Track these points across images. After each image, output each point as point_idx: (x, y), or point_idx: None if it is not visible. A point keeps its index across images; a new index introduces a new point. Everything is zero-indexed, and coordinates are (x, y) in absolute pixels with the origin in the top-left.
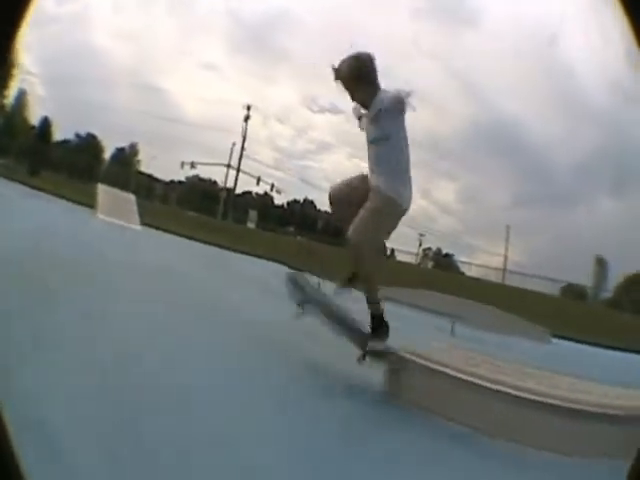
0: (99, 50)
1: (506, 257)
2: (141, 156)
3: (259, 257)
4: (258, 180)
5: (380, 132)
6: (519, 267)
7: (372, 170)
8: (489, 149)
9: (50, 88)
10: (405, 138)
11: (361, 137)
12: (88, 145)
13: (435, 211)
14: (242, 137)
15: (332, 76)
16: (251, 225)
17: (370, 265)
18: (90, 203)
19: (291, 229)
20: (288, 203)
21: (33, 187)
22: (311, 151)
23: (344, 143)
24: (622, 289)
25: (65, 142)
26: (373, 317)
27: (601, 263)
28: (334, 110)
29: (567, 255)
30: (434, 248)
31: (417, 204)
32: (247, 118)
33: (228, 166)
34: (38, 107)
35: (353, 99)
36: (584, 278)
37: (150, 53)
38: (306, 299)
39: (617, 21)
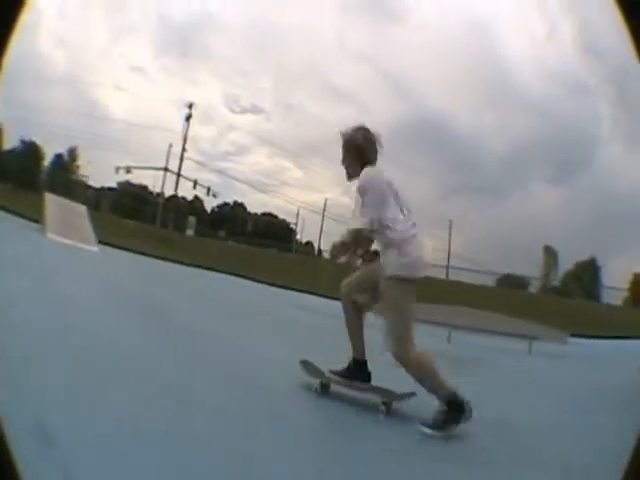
0: (41, 55)
1: (450, 252)
2: (80, 161)
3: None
4: (195, 183)
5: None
6: (461, 261)
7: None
8: (417, 144)
9: None
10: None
11: (282, 136)
12: (30, 152)
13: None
14: (183, 138)
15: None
16: (190, 232)
17: (420, 366)
18: (37, 217)
19: (222, 233)
20: (219, 206)
21: None
22: (231, 152)
23: (264, 143)
24: (571, 276)
25: (12, 150)
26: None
27: (549, 252)
28: (255, 110)
29: (510, 246)
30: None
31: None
32: (189, 117)
33: (165, 170)
34: None
35: (343, 164)
36: (531, 268)
37: (84, 57)
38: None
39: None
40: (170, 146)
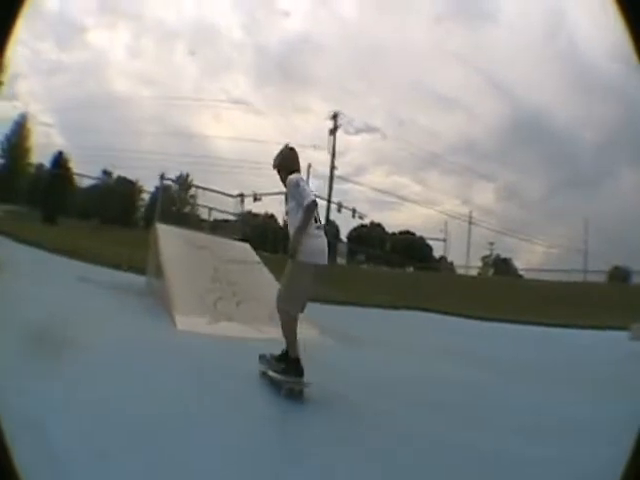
0: (118, 96)
1: (586, 252)
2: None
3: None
4: (339, 206)
5: (290, 206)
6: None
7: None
8: (523, 142)
9: (68, 136)
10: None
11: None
12: (120, 189)
13: (480, 215)
14: (330, 153)
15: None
16: (341, 260)
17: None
18: (140, 268)
19: (362, 257)
20: (355, 229)
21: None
22: (350, 173)
23: (381, 161)
24: None
25: (93, 187)
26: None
27: None
28: (369, 129)
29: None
30: (492, 255)
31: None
32: (335, 129)
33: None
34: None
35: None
36: None
37: (174, 94)
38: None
39: None
40: (309, 166)
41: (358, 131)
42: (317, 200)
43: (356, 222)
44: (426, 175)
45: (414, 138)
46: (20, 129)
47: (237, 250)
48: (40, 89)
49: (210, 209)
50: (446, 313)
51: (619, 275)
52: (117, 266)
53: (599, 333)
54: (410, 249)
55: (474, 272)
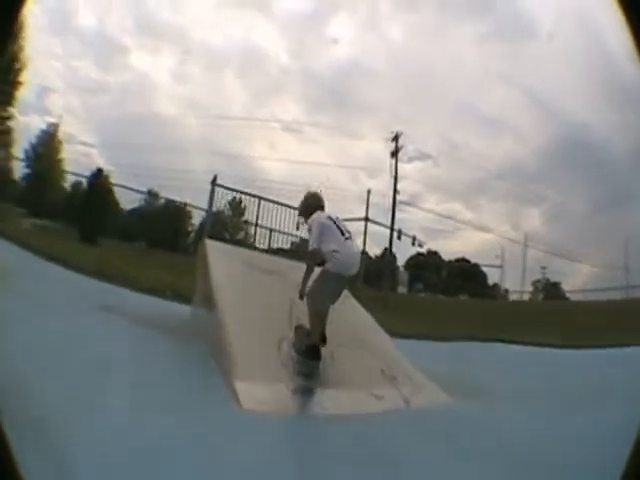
0: (164, 119)
1: (627, 269)
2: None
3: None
4: (400, 234)
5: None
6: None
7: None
8: (566, 162)
9: (109, 156)
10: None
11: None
12: (168, 211)
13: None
14: (393, 177)
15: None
16: (402, 289)
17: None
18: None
19: (421, 286)
20: (412, 257)
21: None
22: (403, 202)
23: (434, 189)
24: None
25: (138, 208)
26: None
27: None
28: (422, 157)
29: None
30: (542, 279)
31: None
32: (397, 151)
33: (366, 220)
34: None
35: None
36: None
37: (222, 119)
38: None
39: None
40: (368, 192)
41: (410, 159)
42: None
43: (413, 250)
44: (478, 201)
45: (465, 164)
46: (49, 139)
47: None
48: (78, 107)
49: (271, 231)
50: (522, 343)
51: None
52: (158, 292)
53: None
54: (465, 276)
55: (526, 297)
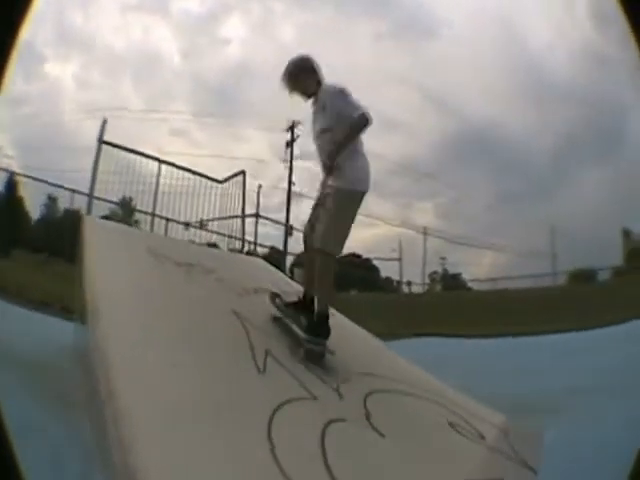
0: (69, 128)
1: (554, 256)
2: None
3: None
4: (291, 229)
5: (330, 120)
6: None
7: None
8: (468, 157)
9: (24, 166)
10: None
11: None
12: (65, 219)
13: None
14: (288, 168)
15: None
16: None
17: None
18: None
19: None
20: (299, 255)
21: None
22: (296, 193)
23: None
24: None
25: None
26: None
27: (627, 235)
28: (304, 156)
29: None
30: (440, 271)
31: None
32: (291, 142)
33: (257, 216)
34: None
35: (298, 90)
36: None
37: (120, 125)
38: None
39: None
40: (260, 186)
41: (295, 157)
42: None
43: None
44: (371, 197)
45: None
46: None
47: (254, 269)
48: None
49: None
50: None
51: (583, 275)
52: (47, 306)
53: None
54: (356, 271)
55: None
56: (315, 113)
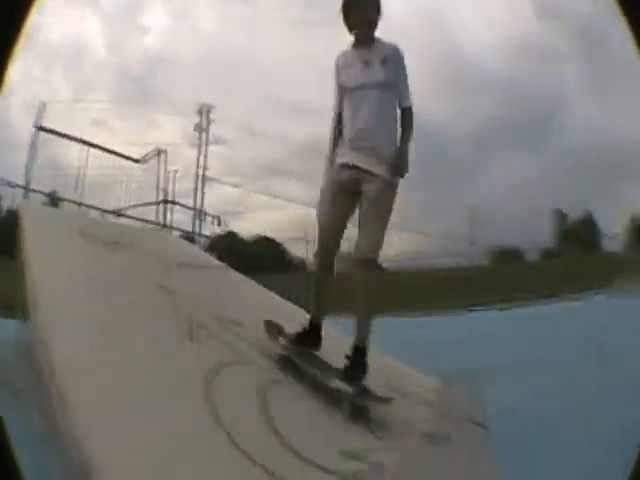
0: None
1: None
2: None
3: None
4: (203, 214)
5: (390, 76)
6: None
7: (374, 126)
8: None
9: None
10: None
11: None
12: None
13: None
14: (200, 153)
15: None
16: None
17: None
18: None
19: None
20: (212, 239)
21: None
22: (209, 178)
23: (229, 173)
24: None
25: None
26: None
27: (559, 214)
28: (218, 142)
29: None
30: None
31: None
32: (206, 124)
33: (165, 202)
34: None
35: (374, 19)
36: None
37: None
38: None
39: None
40: (176, 171)
41: (209, 143)
42: None
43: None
44: (272, 183)
45: (266, 147)
46: None
47: (175, 246)
48: None
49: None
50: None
51: (506, 254)
52: None
53: None
54: (265, 253)
55: None
56: (365, 61)
